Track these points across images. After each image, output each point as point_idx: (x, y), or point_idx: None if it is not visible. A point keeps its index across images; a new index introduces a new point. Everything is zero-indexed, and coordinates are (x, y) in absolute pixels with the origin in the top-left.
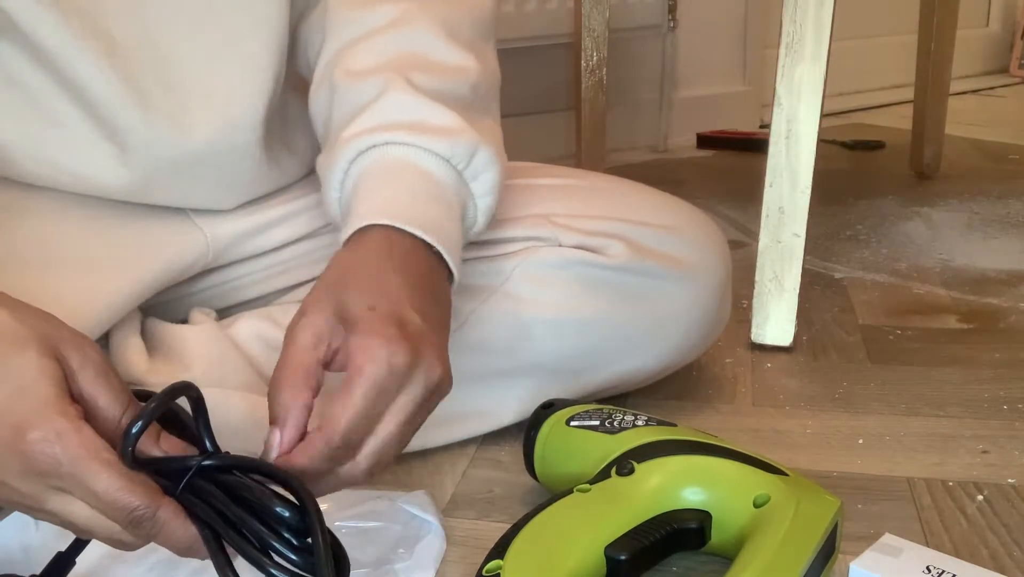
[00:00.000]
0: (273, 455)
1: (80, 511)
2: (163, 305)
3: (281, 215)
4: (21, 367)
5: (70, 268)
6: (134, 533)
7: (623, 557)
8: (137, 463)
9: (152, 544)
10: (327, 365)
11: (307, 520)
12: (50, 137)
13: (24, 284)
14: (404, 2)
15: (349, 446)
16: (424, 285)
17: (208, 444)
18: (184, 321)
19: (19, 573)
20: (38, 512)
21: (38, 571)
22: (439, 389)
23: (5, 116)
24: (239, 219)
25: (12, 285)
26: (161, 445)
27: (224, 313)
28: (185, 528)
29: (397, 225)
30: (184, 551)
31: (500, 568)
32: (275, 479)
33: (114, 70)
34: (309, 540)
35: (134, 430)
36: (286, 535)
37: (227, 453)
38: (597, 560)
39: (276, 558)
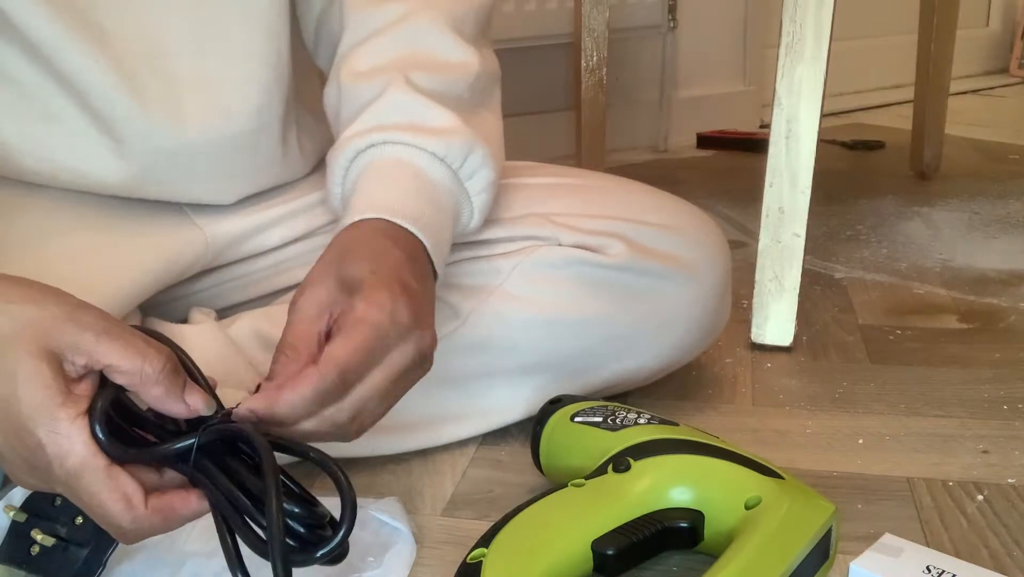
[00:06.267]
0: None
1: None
2: (163, 305)
3: (280, 215)
4: (12, 370)
5: (69, 268)
6: (120, 538)
7: (609, 552)
8: (135, 453)
9: None
10: (328, 335)
11: (264, 480)
12: (47, 133)
13: None
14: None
15: (343, 384)
16: (419, 262)
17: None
18: (184, 321)
19: None
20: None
21: None
22: (425, 360)
23: (2, 114)
24: (238, 219)
25: None
26: (187, 400)
27: (224, 313)
28: (167, 523)
29: (388, 218)
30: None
31: (483, 555)
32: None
33: (107, 61)
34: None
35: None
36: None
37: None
38: (583, 553)
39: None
